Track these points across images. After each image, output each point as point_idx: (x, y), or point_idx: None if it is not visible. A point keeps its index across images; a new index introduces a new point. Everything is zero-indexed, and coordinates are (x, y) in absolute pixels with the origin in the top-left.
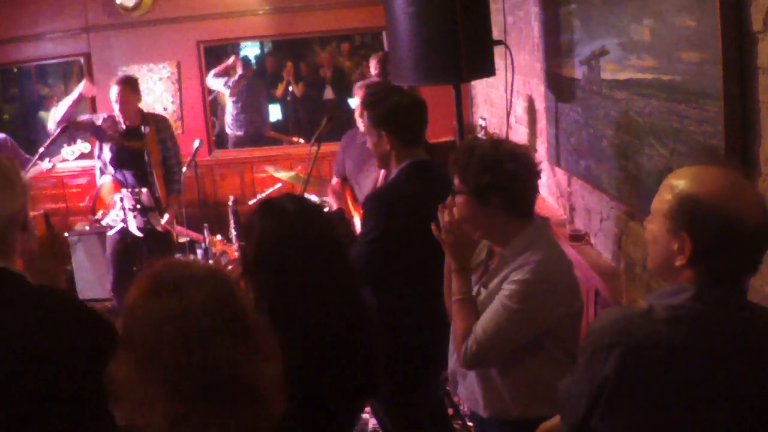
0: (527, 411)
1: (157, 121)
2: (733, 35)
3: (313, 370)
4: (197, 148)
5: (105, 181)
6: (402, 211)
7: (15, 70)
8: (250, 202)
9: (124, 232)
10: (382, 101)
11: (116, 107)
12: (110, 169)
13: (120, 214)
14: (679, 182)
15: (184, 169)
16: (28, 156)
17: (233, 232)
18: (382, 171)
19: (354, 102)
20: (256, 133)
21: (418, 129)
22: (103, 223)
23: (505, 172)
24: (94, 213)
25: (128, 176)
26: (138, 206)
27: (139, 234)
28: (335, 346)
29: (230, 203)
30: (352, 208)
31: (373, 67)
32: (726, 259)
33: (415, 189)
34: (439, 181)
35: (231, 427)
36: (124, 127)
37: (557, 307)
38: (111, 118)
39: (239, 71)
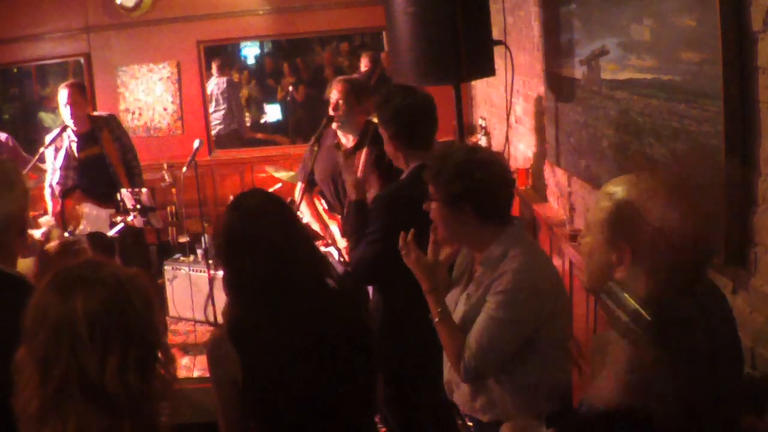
0: (525, 412)
1: (108, 121)
2: (733, 35)
3: (276, 359)
4: (197, 148)
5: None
6: (407, 213)
7: (15, 70)
8: None
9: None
10: (387, 102)
11: (66, 111)
12: (68, 179)
13: (92, 224)
14: (616, 189)
15: (184, 169)
16: (28, 156)
17: None
18: (362, 160)
19: (333, 96)
20: (233, 135)
21: (424, 132)
22: (76, 233)
23: (476, 181)
24: (65, 229)
25: (92, 183)
26: (138, 206)
27: (114, 234)
28: (298, 340)
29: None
30: (325, 215)
31: (364, 65)
32: (669, 269)
33: (421, 191)
34: None
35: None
36: (76, 138)
37: (543, 308)
38: (62, 130)
39: (215, 74)
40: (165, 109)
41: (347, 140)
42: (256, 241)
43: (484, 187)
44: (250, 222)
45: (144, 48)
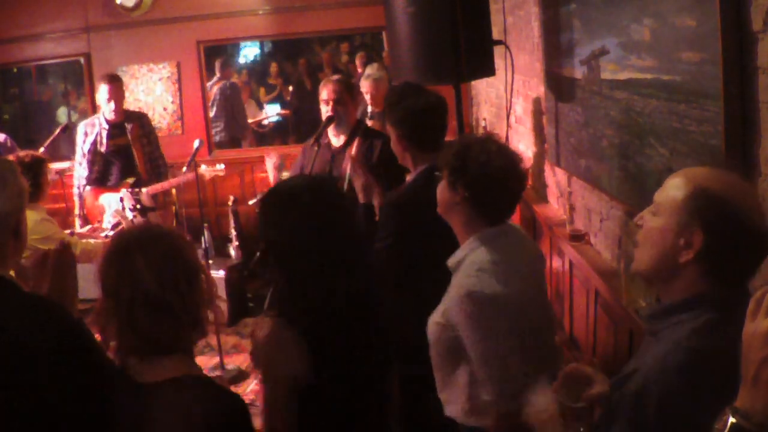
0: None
1: (140, 117)
2: (733, 35)
3: (343, 350)
4: (197, 148)
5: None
6: (414, 218)
7: (15, 70)
8: (250, 202)
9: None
10: (398, 102)
11: (108, 106)
12: (94, 164)
13: (114, 216)
14: (693, 178)
15: (184, 169)
16: None
17: (233, 232)
18: (353, 154)
19: (323, 96)
20: (234, 143)
21: (435, 133)
22: (105, 226)
23: (474, 171)
24: (88, 222)
25: (115, 172)
26: (138, 206)
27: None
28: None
29: (230, 203)
30: None
31: (359, 66)
32: (732, 259)
33: (428, 195)
34: None
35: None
36: (107, 126)
37: (505, 314)
38: (92, 120)
39: (217, 75)
40: (165, 109)
41: (338, 139)
42: (324, 226)
43: (477, 182)
44: (324, 220)
45: (144, 48)
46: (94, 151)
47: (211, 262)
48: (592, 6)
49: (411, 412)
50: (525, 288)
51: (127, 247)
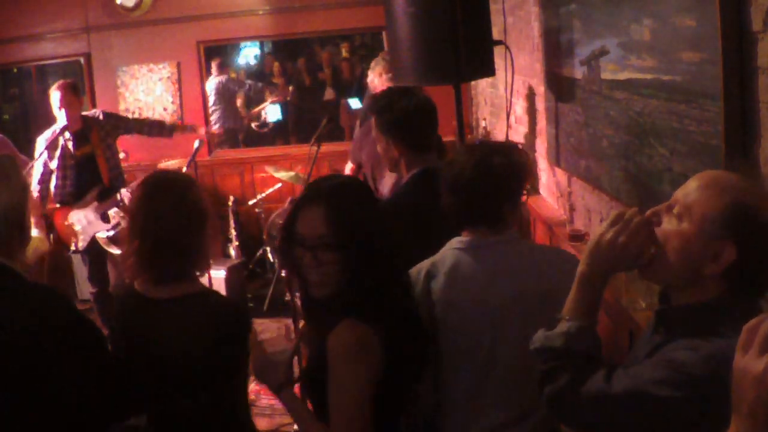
0: None
1: (96, 121)
2: (733, 35)
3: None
4: (197, 148)
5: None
6: (409, 221)
7: (15, 70)
8: (250, 202)
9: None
10: (388, 107)
11: (60, 113)
12: (65, 179)
13: (114, 218)
14: (728, 188)
15: (184, 169)
16: (24, 157)
17: (233, 232)
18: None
19: (372, 83)
20: (230, 134)
21: (427, 134)
22: (80, 246)
23: (446, 180)
24: (67, 247)
25: (87, 182)
26: None
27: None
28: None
29: (230, 203)
30: None
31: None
32: (759, 274)
33: (420, 200)
34: None
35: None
36: (71, 137)
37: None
38: (54, 132)
39: (214, 72)
40: (165, 109)
41: None
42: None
43: (447, 192)
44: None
45: (144, 48)
46: (63, 165)
47: (211, 262)
48: (592, 6)
49: None
50: (474, 305)
51: (150, 193)
